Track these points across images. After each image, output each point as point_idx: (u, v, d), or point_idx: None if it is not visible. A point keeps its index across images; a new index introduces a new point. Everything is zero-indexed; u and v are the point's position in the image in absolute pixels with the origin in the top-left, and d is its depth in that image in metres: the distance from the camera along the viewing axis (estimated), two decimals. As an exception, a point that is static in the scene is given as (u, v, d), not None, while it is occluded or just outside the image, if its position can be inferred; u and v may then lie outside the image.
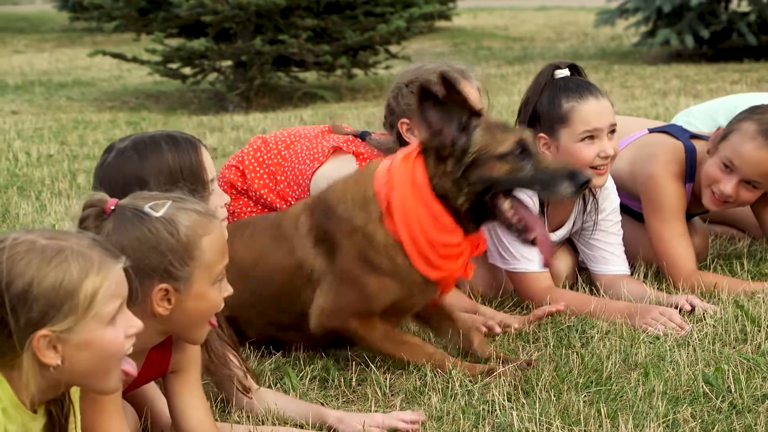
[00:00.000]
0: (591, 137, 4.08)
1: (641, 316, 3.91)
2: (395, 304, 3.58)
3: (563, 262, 4.52)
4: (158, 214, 2.73)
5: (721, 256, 4.82)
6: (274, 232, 3.73)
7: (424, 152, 3.49)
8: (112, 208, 2.74)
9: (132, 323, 2.48)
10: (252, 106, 10.95)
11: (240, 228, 3.80)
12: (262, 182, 4.37)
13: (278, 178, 4.36)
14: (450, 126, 3.43)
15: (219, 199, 3.21)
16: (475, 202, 3.46)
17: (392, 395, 3.40)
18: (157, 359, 2.94)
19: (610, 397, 3.28)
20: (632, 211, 4.62)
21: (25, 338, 2.34)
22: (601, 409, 3.15)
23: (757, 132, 4.24)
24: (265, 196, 4.37)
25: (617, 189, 4.46)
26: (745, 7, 13.14)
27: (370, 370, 3.58)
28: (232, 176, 4.42)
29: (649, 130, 4.71)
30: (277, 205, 4.35)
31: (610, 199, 4.38)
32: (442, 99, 3.41)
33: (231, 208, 4.40)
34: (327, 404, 3.35)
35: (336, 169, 4.14)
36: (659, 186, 4.38)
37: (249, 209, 4.40)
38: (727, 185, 4.29)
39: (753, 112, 4.33)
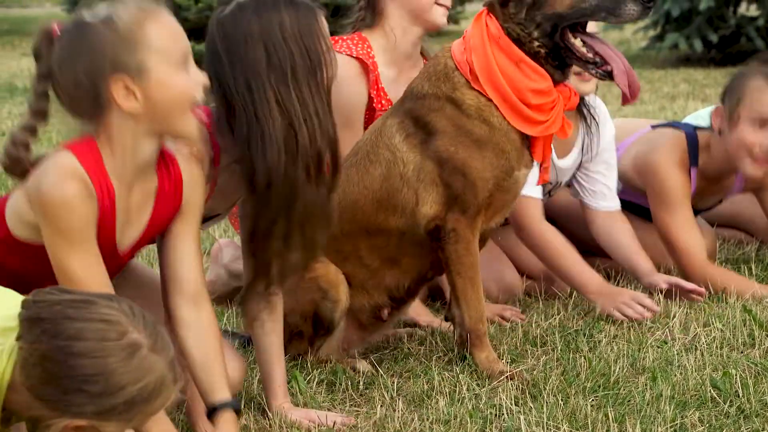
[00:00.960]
0: None
1: (611, 299, 3.95)
2: (497, 192, 3.54)
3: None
4: (96, 17, 2.77)
5: (729, 260, 4.82)
6: (353, 158, 3.69)
7: (490, 7, 3.53)
8: (56, 28, 2.80)
9: None
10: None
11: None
12: None
13: None
14: None
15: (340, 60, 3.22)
16: (548, 44, 3.48)
17: (399, 399, 3.40)
18: (170, 190, 2.94)
19: (617, 402, 3.28)
20: (637, 210, 4.61)
21: (66, 418, 2.37)
22: (609, 414, 3.15)
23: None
24: None
25: (623, 186, 4.51)
26: (753, 12, 13.13)
27: (378, 374, 3.58)
28: None
29: (652, 126, 4.72)
30: None
31: (607, 127, 4.41)
32: None
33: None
34: (334, 408, 3.36)
35: None
36: (662, 174, 4.40)
37: None
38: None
39: (745, 75, 4.40)
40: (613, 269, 4.56)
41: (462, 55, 3.53)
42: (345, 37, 4.15)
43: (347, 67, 4.01)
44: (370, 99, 4.09)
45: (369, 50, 4.09)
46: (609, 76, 3.54)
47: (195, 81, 2.84)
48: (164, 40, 2.79)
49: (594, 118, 4.37)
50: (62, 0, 18.26)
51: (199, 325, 2.97)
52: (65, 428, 2.38)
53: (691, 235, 4.39)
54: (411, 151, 3.56)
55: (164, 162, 2.93)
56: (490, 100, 3.49)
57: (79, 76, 2.75)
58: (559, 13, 3.46)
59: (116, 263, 2.95)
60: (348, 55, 4.06)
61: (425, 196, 3.55)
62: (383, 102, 4.10)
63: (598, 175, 4.41)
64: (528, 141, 3.57)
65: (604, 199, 4.41)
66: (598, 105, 4.41)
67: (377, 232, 3.64)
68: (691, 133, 4.48)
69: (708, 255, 4.62)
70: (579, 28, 3.53)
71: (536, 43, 3.48)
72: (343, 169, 3.67)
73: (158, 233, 2.99)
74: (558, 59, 3.51)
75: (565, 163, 4.40)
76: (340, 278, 3.65)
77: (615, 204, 4.42)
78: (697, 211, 4.65)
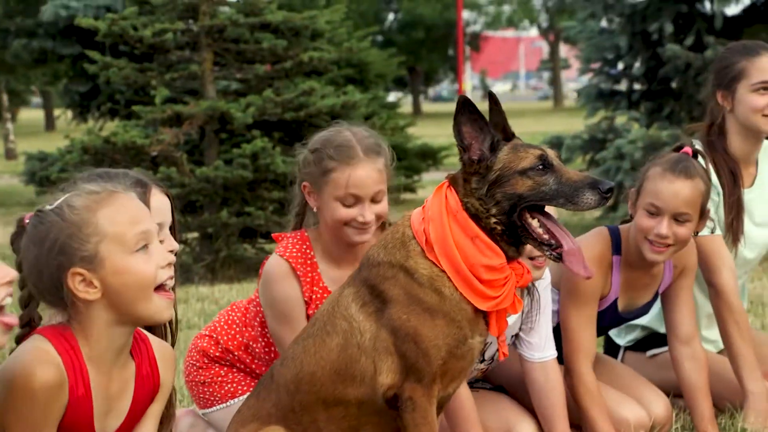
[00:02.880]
0: None
1: None
2: (451, 359, 3.53)
3: (526, 429, 4.49)
4: (50, 207, 2.75)
5: (685, 427, 4.80)
6: (310, 329, 3.68)
7: (452, 181, 3.58)
8: (27, 221, 2.79)
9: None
10: (217, 278, 10.97)
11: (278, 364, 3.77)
12: (236, 342, 4.36)
13: (248, 329, 4.35)
14: (482, 143, 3.54)
15: (168, 245, 3.39)
16: (505, 222, 3.52)
17: None
18: (147, 372, 2.91)
19: None
20: None
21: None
22: None
23: (665, 170, 4.49)
24: (240, 357, 4.35)
25: (559, 296, 4.59)
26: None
27: None
28: (205, 344, 4.40)
29: None
30: (248, 360, 4.33)
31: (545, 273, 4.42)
32: (480, 116, 3.53)
33: (201, 377, 4.36)
34: None
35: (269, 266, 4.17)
36: None
37: (220, 378, 4.36)
38: (662, 227, 4.43)
39: (652, 162, 4.59)
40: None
41: (420, 225, 3.58)
42: (289, 235, 4.24)
43: (277, 267, 4.13)
44: (307, 301, 4.12)
45: (308, 251, 4.17)
46: (561, 258, 3.58)
47: (156, 262, 2.81)
48: (118, 226, 2.75)
49: (538, 293, 4.41)
50: (22, 171, 18.35)
51: None
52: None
53: (587, 332, 4.51)
54: (367, 320, 3.56)
55: (137, 342, 2.88)
56: (443, 270, 3.53)
57: (39, 269, 2.72)
58: (519, 194, 3.51)
59: None
60: (280, 255, 4.13)
61: (381, 365, 3.53)
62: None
63: (540, 326, 4.44)
64: (483, 311, 3.59)
65: (539, 349, 4.44)
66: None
67: (336, 403, 3.59)
68: (614, 227, 4.63)
69: (663, 423, 4.61)
70: (536, 209, 3.58)
71: (493, 220, 3.52)
72: (300, 340, 3.68)
73: (140, 418, 2.92)
74: (514, 237, 3.56)
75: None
76: None
77: (550, 353, 4.46)
78: (638, 311, 4.71)
